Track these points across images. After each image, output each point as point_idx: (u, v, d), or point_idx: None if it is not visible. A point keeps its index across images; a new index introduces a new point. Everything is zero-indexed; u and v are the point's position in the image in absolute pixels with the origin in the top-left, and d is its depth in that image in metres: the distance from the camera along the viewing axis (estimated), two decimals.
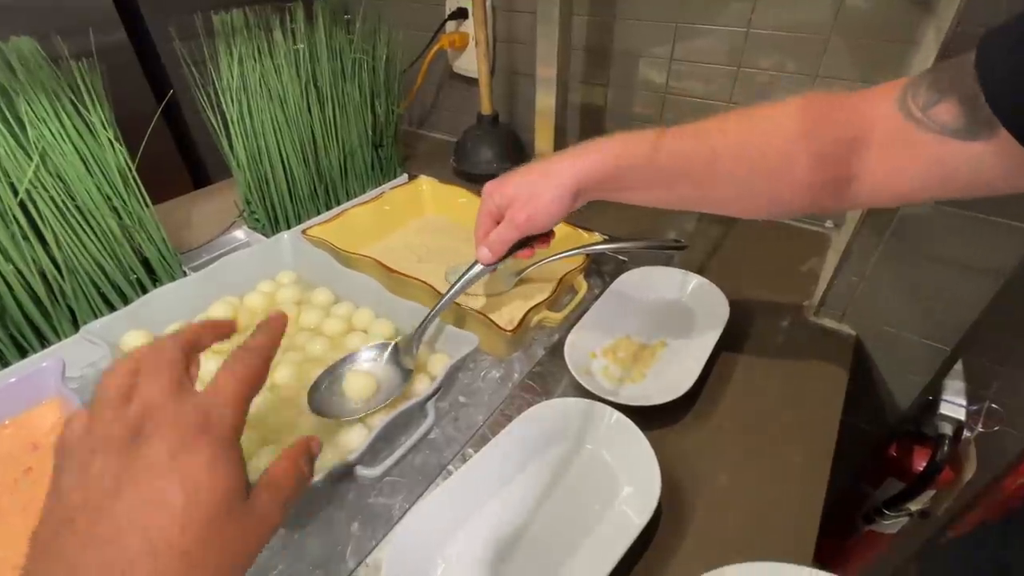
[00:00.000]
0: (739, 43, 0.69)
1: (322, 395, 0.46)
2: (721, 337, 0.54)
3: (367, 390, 0.47)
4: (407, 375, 0.48)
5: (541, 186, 0.43)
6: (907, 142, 0.34)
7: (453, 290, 0.49)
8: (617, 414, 0.44)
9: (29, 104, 0.47)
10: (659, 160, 0.40)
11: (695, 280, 0.61)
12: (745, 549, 0.38)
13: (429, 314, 0.49)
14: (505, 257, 0.48)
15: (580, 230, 0.68)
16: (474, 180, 0.89)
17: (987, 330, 0.54)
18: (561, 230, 0.70)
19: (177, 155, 1.03)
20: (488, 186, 0.47)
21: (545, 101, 0.77)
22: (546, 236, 0.50)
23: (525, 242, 0.48)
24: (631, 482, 0.42)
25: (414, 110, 1.09)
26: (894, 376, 0.60)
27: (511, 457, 0.44)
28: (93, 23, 0.70)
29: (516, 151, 0.89)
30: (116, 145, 0.54)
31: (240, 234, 0.74)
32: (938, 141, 0.33)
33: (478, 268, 0.49)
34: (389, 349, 0.50)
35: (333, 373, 0.48)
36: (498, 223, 0.47)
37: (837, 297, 0.56)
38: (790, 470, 0.44)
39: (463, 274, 0.49)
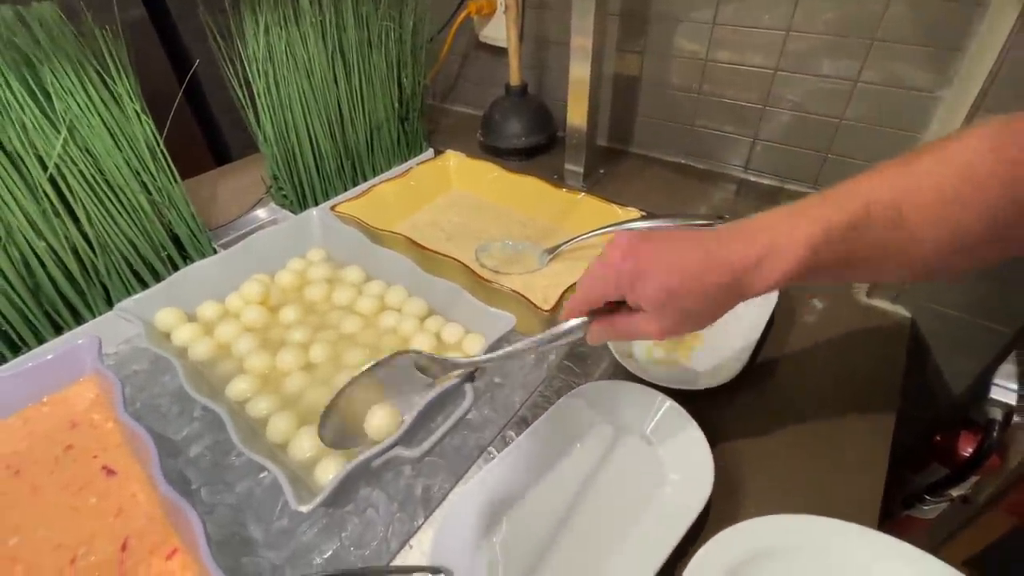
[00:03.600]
0: (788, 5, 0.65)
1: (335, 426, 0.36)
2: (769, 317, 0.51)
3: (390, 426, 0.39)
4: (428, 385, 0.39)
5: (701, 306, 0.30)
6: None
7: (532, 342, 0.36)
8: (668, 401, 0.43)
9: (54, 74, 0.46)
10: (858, 244, 0.29)
11: None
12: None
13: (482, 360, 0.37)
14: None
15: (615, 205, 0.65)
16: (501, 155, 0.87)
17: None
18: (594, 205, 0.67)
19: (199, 133, 1.02)
20: (622, 253, 0.31)
21: (579, 72, 0.73)
22: None
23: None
24: (679, 469, 0.40)
25: (438, 83, 1.06)
26: (948, 361, 0.57)
27: (554, 441, 0.43)
28: None
29: (547, 124, 0.86)
30: (144, 117, 0.52)
31: (266, 212, 0.73)
32: None
33: (569, 330, 0.35)
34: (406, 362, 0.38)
35: (343, 398, 0.36)
36: (612, 299, 0.33)
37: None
38: (846, 459, 0.42)
39: (555, 334, 0.36)
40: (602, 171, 0.84)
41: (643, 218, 0.63)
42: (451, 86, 1.05)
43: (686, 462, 0.40)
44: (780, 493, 0.40)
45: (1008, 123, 0.28)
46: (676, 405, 0.42)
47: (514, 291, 0.52)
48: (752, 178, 0.79)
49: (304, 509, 0.33)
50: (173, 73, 0.93)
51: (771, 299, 0.52)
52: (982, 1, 0.53)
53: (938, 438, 0.67)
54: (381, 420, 0.39)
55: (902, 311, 0.54)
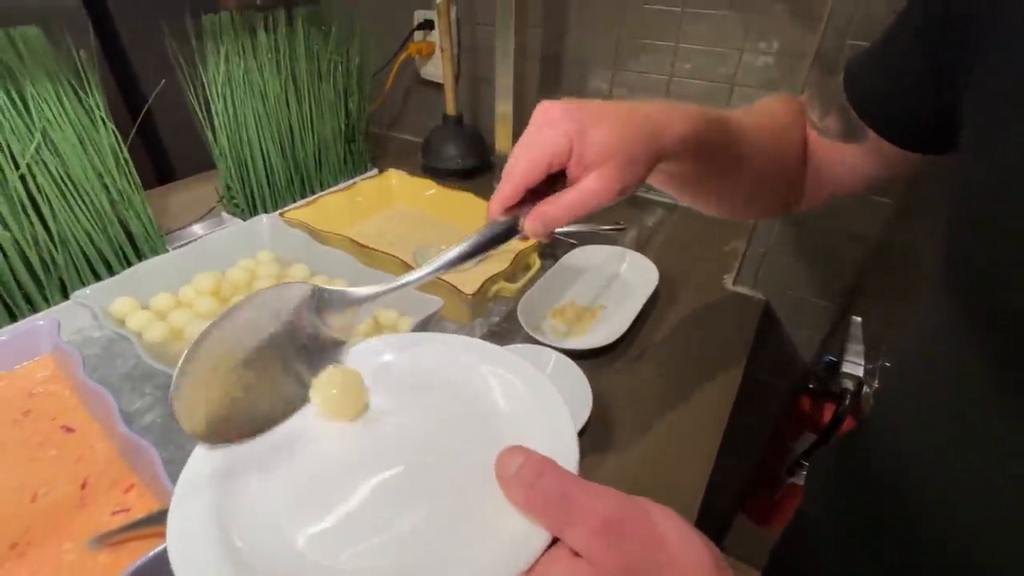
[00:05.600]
0: (670, 57, 0.80)
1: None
2: (653, 303, 0.62)
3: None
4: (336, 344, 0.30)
5: (641, 148, 0.32)
6: (817, 146, 0.43)
7: (439, 263, 0.32)
8: (557, 354, 0.52)
9: (34, 85, 0.52)
10: (723, 133, 0.37)
11: (631, 255, 0.70)
12: (657, 463, 0.46)
13: (397, 284, 0.31)
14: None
15: None
16: (440, 175, 0.97)
17: (871, 294, 0.65)
18: None
19: (145, 155, 1.07)
20: (557, 113, 0.31)
21: (504, 106, 0.86)
22: None
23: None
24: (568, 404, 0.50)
25: (383, 113, 1.16)
26: (797, 333, 0.70)
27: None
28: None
29: (480, 149, 0.98)
30: (109, 126, 0.59)
31: (219, 220, 0.79)
32: (833, 145, 0.42)
33: (501, 230, 0.33)
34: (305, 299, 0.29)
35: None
36: (552, 177, 0.32)
37: (750, 267, 0.66)
38: (699, 404, 0.52)
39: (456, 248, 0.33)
40: None
41: None
42: (396, 116, 1.15)
43: (571, 398, 0.49)
44: (640, 427, 0.50)
45: (789, 98, 0.45)
46: (566, 358, 0.52)
47: (440, 279, 0.61)
48: (652, 196, 0.93)
49: None
50: (120, 94, 0.98)
51: (652, 282, 0.64)
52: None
53: (806, 408, 0.80)
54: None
55: (758, 295, 0.67)
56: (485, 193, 0.92)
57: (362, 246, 0.67)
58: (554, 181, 0.32)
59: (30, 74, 0.51)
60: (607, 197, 0.31)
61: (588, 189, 0.31)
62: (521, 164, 0.31)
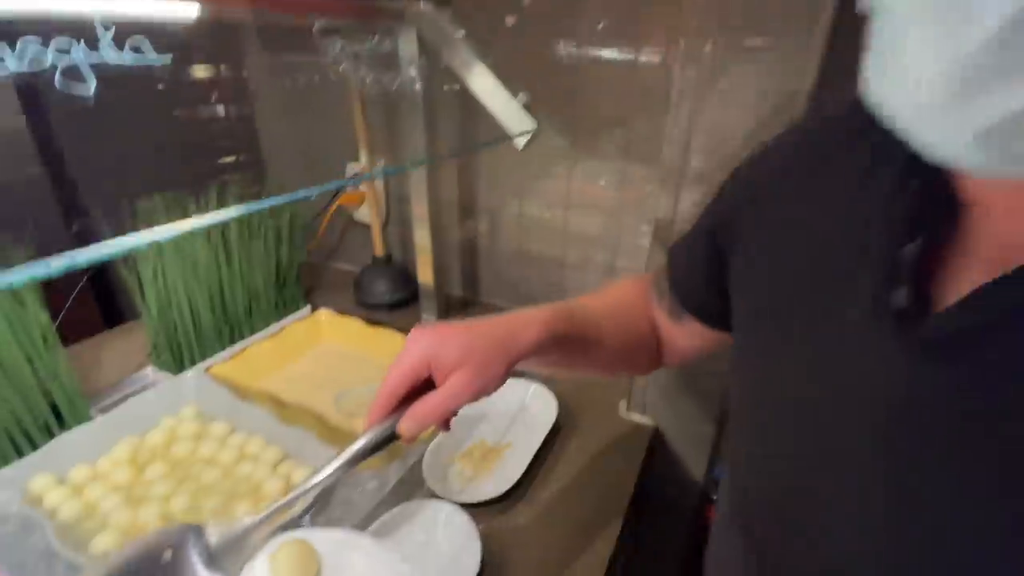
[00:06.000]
0: (563, 203, 0.92)
1: None
2: (555, 435, 0.69)
3: None
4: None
5: (493, 354, 0.38)
6: (661, 322, 0.51)
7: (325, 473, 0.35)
8: (450, 508, 0.57)
9: None
10: (578, 327, 0.44)
11: (535, 387, 0.77)
12: None
13: (274, 508, 0.34)
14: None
15: None
16: (371, 308, 1.04)
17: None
18: None
19: (90, 296, 1.11)
20: (419, 335, 0.38)
21: (423, 242, 0.95)
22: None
23: None
24: (454, 559, 0.54)
25: (323, 246, 1.25)
26: (685, 454, 0.76)
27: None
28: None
29: (408, 283, 1.06)
30: (42, 314, 0.64)
31: (146, 374, 0.83)
32: (669, 323, 0.50)
33: (376, 438, 0.36)
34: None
35: None
36: (416, 387, 0.38)
37: (639, 394, 0.74)
38: (584, 542, 0.57)
39: (351, 448, 0.36)
40: (452, 319, 1.03)
41: None
42: (334, 249, 1.24)
43: (460, 554, 0.53)
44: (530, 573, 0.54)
45: (639, 279, 0.52)
46: (459, 512, 0.56)
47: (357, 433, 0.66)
48: None
49: None
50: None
51: (553, 413, 0.70)
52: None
53: (709, 517, 0.85)
54: None
55: (648, 421, 0.74)
56: (409, 324, 1.00)
57: (280, 401, 0.71)
58: (427, 387, 0.38)
59: None
60: (464, 396, 0.37)
61: (447, 391, 0.37)
62: (390, 379, 0.37)
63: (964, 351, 0.25)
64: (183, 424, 0.70)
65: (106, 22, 0.35)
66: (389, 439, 0.37)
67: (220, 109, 1.06)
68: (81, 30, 0.34)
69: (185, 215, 0.75)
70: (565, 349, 0.44)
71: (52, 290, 0.67)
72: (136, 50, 0.38)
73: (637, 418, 0.75)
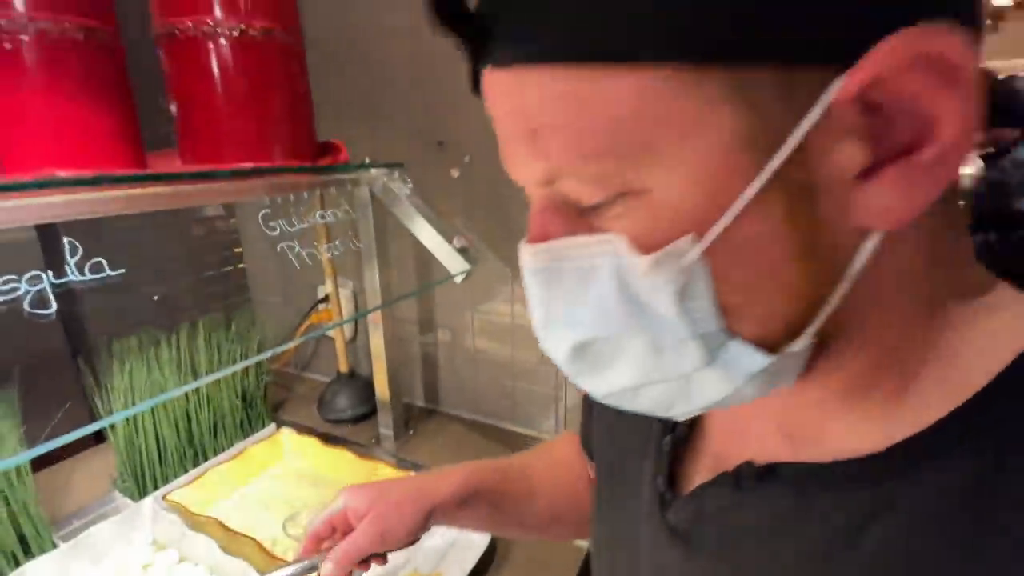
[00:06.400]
0: (511, 324, 1.01)
1: None
2: (489, 558, 0.72)
3: None
4: None
5: (404, 501, 0.44)
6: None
7: None
8: None
9: None
10: (507, 482, 0.48)
11: None
12: None
13: None
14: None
15: (407, 473, 0.88)
16: (335, 423, 1.11)
17: None
18: (387, 472, 0.90)
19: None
20: (345, 489, 0.46)
21: (379, 368, 1.03)
22: (383, 555, 0.46)
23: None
24: None
25: (296, 357, 1.34)
26: None
27: None
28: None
29: (370, 398, 1.13)
30: (14, 444, 0.72)
31: (113, 495, 0.89)
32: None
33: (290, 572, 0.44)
34: None
35: None
36: (336, 532, 0.46)
37: None
38: None
39: None
40: (411, 432, 1.09)
41: None
42: (307, 361, 1.33)
43: None
44: None
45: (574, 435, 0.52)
46: None
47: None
48: (518, 428, 1.07)
49: None
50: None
51: (484, 542, 0.74)
52: None
53: None
54: None
55: (583, 543, 0.77)
56: (368, 439, 1.05)
57: (227, 529, 0.76)
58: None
59: None
60: (370, 541, 0.43)
61: (356, 535, 0.43)
62: (314, 524, 0.46)
63: (695, 537, 0.31)
64: (137, 553, 0.75)
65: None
66: (312, 570, 0.44)
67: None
68: None
69: (157, 346, 0.84)
70: (494, 504, 0.47)
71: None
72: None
73: (575, 542, 0.78)
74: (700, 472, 0.33)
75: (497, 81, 0.23)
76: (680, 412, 0.27)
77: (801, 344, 0.23)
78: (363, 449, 0.98)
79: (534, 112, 0.22)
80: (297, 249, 0.84)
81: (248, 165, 0.71)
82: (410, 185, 0.91)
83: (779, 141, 0.19)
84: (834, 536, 0.24)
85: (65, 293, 0.44)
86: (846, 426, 0.26)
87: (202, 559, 0.74)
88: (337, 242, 0.89)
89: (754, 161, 0.19)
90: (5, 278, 0.42)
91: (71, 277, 0.46)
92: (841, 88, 0.18)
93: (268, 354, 1.04)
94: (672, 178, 0.20)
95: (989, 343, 0.23)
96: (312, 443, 0.98)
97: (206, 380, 0.77)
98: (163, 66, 0.70)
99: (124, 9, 0.63)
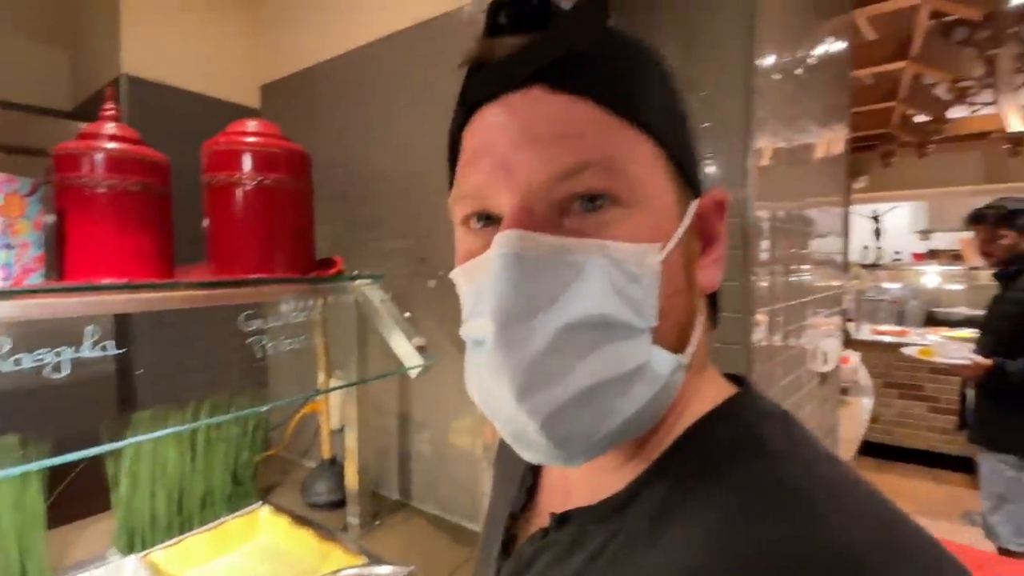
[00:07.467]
0: (479, 423, 1.10)
1: None
2: None
3: None
4: None
5: None
6: None
7: None
8: None
9: None
10: None
11: None
12: None
13: None
14: None
15: (360, 558, 0.95)
16: (314, 508, 1.20)
17: None
18: (341, 559, 0.97)
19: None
20: None
21: (351, 446, 1.13)
22: None
23: None
24: None
25: (294, 443, 1.47)
26: None
27: None
28: None
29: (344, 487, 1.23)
30: (40, 505, 0.87)
31: (109, 553, 1.01)
32: None
33: None
34: None
35: None
36: None
37: None
38: None
39: None
40: (378, 522, 1.16)
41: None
42: (307, 448, 1.46)
43: None
44: None
45: None
46: None
47: None
48: (479, 528, 1.12)
49: None
50: None
51: None
52: None
53: None
54: None
55: None
56: (336, 525, 1.12)
57: None
58: None
59: None
60: None
61: None
62: None
63: None
64: None
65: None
66: None
67: None
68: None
69: (166, 421, 1.01)
70: None
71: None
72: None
73: None
74: (535, 527, 0.41)
75: (534, 97, 0.32)
76: (603, 433, 0.31)
77: (687, 357, 0.33)
78: (327, 533, 1.06)
79: (578, 123, 0.31)
80: (288, 343, 1.02)
81: (253, 276, 0.91)
82: (389, 294, 1.09)
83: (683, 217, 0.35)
84: (599, 551, 0.34)
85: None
86: (611, 479, 0.36)
87: None
88: (324, 339, 1.06)
89: (680, 219, 0.34)
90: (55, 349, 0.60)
91: (84, 354, 0.64)
92: (697, 206, 0.35)
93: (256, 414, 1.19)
94: (653, 204, 0.33)
95: (699, 407, 0.35)
96: (283, 522, 1.07)
97: (190, 427, 0.91)
98: (203, 202, 0.94)
99: (179, 164, 0.90)
